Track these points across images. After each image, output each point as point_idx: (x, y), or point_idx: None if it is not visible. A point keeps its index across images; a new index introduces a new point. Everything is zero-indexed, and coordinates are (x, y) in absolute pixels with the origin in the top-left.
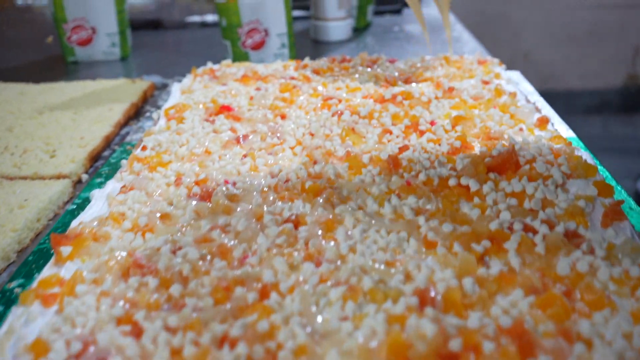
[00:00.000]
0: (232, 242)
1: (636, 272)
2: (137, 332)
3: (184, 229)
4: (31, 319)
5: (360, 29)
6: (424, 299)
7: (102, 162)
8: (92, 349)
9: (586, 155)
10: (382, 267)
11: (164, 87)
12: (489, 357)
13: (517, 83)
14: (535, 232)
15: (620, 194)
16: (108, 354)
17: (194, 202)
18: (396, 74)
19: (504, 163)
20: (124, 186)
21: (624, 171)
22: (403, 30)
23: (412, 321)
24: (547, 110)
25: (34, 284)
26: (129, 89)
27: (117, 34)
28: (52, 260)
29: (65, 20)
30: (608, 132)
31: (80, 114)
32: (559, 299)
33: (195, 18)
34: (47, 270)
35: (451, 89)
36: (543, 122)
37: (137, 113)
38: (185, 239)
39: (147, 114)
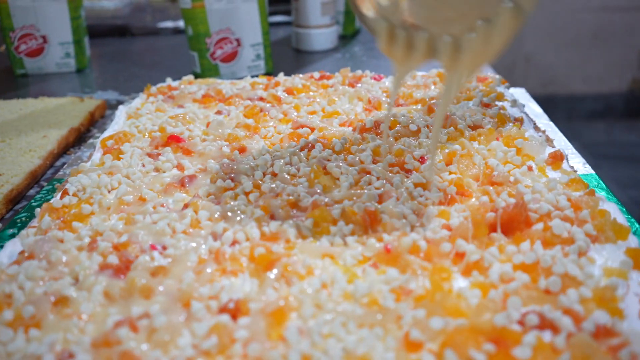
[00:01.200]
0: (143, 347)
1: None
2: None
3: (82, 323)
4: None
5: (347, 37)
6: None
7: (24, 204)
8: None
9: (613, 208)
10: None
11: (119, 104)
12: None
13: (523, 105)
14: (555, 330)
15: None
16: None
17: (105, 280)
18: (382, 95)
19: (511, 221)
20: (21, 252)
21: (628, 179)
22: None
23: None
24: (560, 139)
25: None
26: (74, 110)
27: (71, 43)
28: None
29: (12, 28)
30: (612, 138)
31: (8, 143)
32: None
33: (168, 24)
34: None
35: (446, 116)
36: (557, 159)
37: (79, 139)
38: (82, 340)
39: (91, 140)
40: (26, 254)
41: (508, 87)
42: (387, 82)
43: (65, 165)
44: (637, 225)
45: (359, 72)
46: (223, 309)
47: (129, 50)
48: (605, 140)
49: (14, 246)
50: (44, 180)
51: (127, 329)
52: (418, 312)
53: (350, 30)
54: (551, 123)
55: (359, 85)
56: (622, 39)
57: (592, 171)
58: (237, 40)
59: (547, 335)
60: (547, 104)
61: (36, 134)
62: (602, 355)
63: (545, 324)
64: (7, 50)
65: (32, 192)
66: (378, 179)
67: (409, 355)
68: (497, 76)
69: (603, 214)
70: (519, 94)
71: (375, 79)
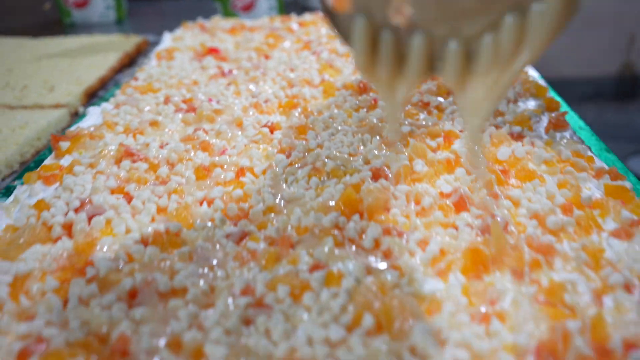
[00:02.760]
0: (213, 140)
1: (564, 155)
2: (128, 199)
3: (171, 133)
4: (34, 194)
5: None
6: (377, 174)
7: (97, 100)
8: (88, 206)
9: (539, 79)
10: (345, 156)
11: (157, 44)
12: (430, 209)
13: None
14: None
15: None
16: (103, 210)
17: (181, 115)
18: None
19: None
20: (117, 104)
21: (617, 154)
22: None
23: (365, 186)
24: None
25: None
26: (124, 42)
27: None
28: (52, 155)
29: None
30: (602, 119)
31: (77, 60)
32: (495, 172)
33: None
34: (48, 161)
35: None
36: None
37: (130, 63)
38: (172, 138)
39: (140, 65)
40: (120, 105)
41: None
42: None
43: (124, 78)
44: None
45: None
46: (264, 126)
47: (159, 9)
48: (596, 121)
49: (107, 105)
50: (108, 86)
51: (202, 132)
52: None
53: None
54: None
55: None
56: (612, 24)
57: None
58: None
59: None
60: None
61: (97, 56)
62: (511, 141)
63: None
64: (55, 4)
65: (100, 93)
66: None
67: (388, 148)
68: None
69: (531, 81)
70: None
71: None
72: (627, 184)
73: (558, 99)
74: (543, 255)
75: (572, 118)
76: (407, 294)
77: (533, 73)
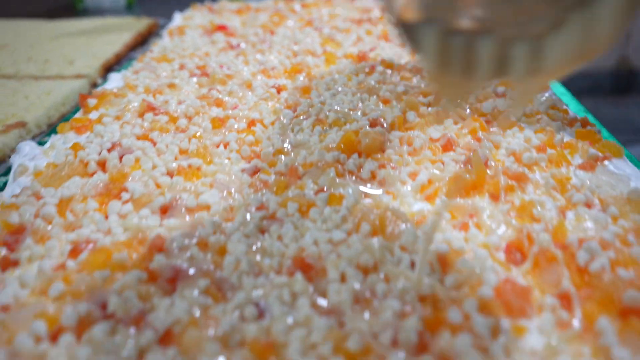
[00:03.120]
0: (226, 98)
1: (543, 108)
2: (153, 143)
3: (187, 93)
4: (68, 141)
5: None
6: (374, 123)
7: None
8: (118, 148)
9: None
10: (346, 110)
11: (166, 26)
12: (420, 149)
13: None
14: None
15: None
16: (131, 151)
17: (195, 79)
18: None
19: None
20: (135, 71)
21: None
22: None
23: (362, 131)
24: None
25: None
26: (135, 23)
27: None
28: (81, 111)
29: None
30: (598, 113)
31: (92, 38)
32: (479, 121)
33: None
34: (78, 115)
35: None
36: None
37: (143, 42)
38: (189, 97)
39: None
40: (138, 71)
41: None
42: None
43: (137, 55)
44: None
45: None
46: (272, 87)
47: None
48: (592, 115)
49: (127, 72)
50: (123, 62)
51: (215, 91)
52: (388, 86)
53: None
54: None
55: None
56: None
57: None
58: None
59: None
60: None
61: (112, 35)
62: (494, 97)
63: None
64: None
65: (116, 67)
66: (369, 43)
67: (385, 105)
68: None
69: None
70: None
71: None
72: (595, 129)
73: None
74: (517, 182)
75: (555, 86)
76: (400, 210)
77: None
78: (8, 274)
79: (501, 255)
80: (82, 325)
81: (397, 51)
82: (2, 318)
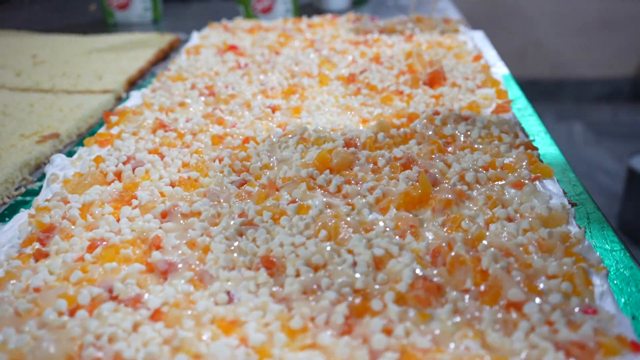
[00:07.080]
0: (227, 117)
1: (496, 132)
2: (161, 157)
3: (195, 111)
4: (92, 153)
5: (358, 3)
6: (349, 143)
7: (136, 87)
8: (132, 161)
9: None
10: (329, 129)
11: (187, 41)
12: (382, 167)
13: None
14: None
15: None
16: (143, 163)
17: (203, 98)
18: (374, 27)
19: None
20: (153, 89)
21: (626, 152)
22: (397, 5)
23: (335, 151)
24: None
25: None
26: (159, 40)
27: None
28: (104, 127)
29: None
30: (616, 119)
31: (120, 54)
32: (437, 143)
33: None
34: (101, 130)
35: (411, 36)
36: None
37: (165, 57)
38: (196, 115)
39: (172, 59)
40: (156, 90)
41: (469, 28)
42: (380, 22)
43: (158, 70)
44: None
45: (359, 13)
46: (268, 107)
47: (189, 11)
48: (610, 120)
49: (146, 90)
50: (146, 77)
51: (219, 111)
52: (369, 109)
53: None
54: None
55: (359, 22)
56: (629, 26)
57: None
58: None
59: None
60: (556, 87)
61: (137, 50)
62: (460, 121)
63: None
64: (100, 5)
65: (139, 82)
66: (362, 65)
67: (364, 124)
68: (459, 18)
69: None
70: (478, 35)
71: (372, 19)
72: (535, 153)
73: (515, 90)
74: (458, 197)
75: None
76: (355, 220)
77: (499, 70)
78: (40, 263)
79: (428, 259)
80: (93, 304)
81: (384, 73)
82: (35, 296)
